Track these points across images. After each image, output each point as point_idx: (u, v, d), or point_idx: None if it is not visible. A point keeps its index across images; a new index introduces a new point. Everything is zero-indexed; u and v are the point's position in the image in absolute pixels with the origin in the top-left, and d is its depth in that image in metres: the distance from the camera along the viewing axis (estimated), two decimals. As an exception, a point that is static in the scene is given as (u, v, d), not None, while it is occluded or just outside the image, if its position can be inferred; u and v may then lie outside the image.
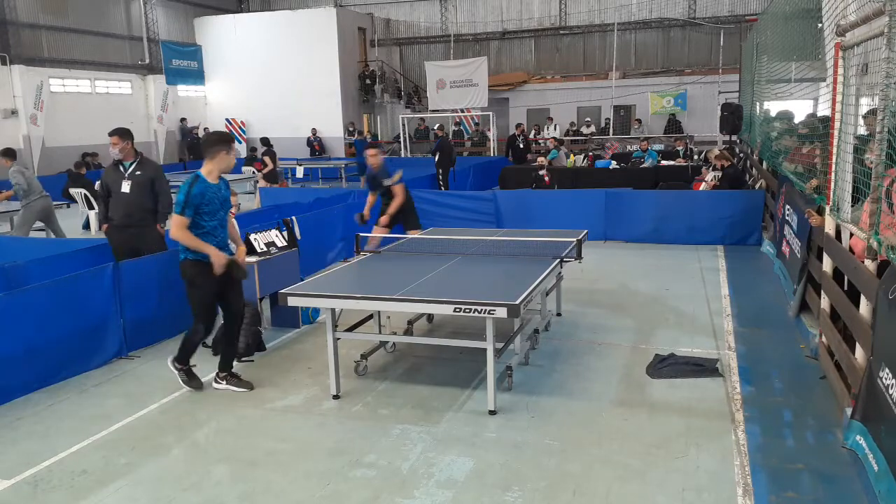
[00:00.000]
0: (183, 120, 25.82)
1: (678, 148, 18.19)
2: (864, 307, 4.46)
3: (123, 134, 6.98)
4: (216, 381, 5.53)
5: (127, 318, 6.32)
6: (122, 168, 7.01)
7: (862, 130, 5.23)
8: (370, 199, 8.67)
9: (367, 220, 8.48)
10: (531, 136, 23.23)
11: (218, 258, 5.23)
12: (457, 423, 4.79)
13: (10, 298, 5.42)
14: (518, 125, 22.05)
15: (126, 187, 6.96)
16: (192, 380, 5.51)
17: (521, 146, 19.75)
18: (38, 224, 11.03)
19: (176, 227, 5.13)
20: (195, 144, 24.96)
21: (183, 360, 5.51)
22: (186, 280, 5.33)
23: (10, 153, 10.87)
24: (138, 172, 7.00)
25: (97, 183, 8.93)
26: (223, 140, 5.37)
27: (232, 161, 5.33)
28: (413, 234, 8.06)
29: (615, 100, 24.76)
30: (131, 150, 7.04)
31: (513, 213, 11.67)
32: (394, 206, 8.33)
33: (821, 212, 6.05)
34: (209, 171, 5.24)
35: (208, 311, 5.43)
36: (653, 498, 3.81)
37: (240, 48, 25.60)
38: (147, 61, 24.61)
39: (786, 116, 10.72)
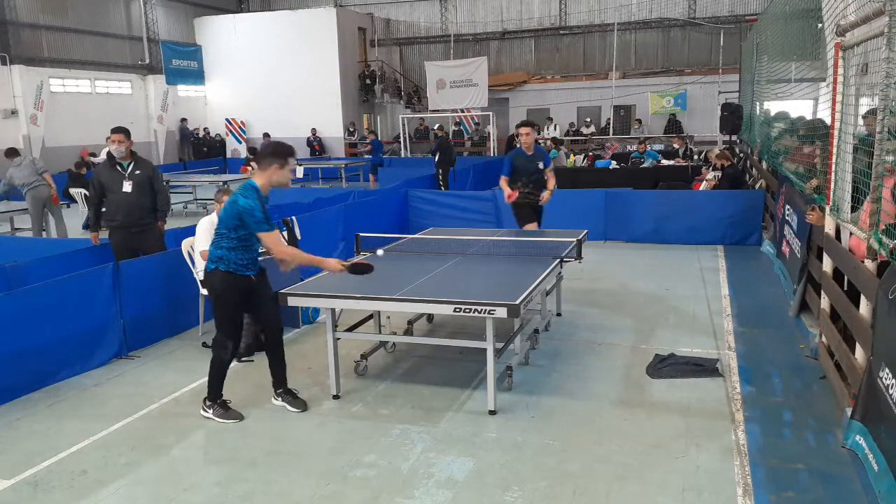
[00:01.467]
0: (183, 120, 25.83)
1: (676, 147, 18.19)
2: (864, 307, 4.46)
3: (127, 133, 7.04)
4: (275, 398, 5.16)
5: (127, 318, 6.32)
6: (120, 168, 7.02)
7: (862, 130, 5.22)
8: (507, 186, 7.79)
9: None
10: (531, 136, 23.19)
11: (330, 264, 4.98)
12: (457, 423, 4.79)
13: (10, 298, 5.41)
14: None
15: (128, 187, 6.98)
16: (228, 412, 4.95)
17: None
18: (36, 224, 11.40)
19: (275, 241, 4.73)
20: (198, 145, 25.06)
21: (214, 394, 4.97)
22: (214, 293, 4.89)
23: (8, 153, 11.54)
24: (138, 172, 7.03)
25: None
26: (276, 153, 4.77)
27: (288, 176, 4.79)
28: (531, 228, 7.88)
29: (615, 100, 24.75)
30: (129, 149, 7.07)
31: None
32: (553, 183, 8.04)
33: (821, 210, 6.05)
34: (262, 183, 4.73)
35: (237, 326, 5.01)
36: (653, 498, 3.81)
37: (240, 48, 25.61)
38: (147, 61, 24.61)
39: (785, 117, 10.72)
